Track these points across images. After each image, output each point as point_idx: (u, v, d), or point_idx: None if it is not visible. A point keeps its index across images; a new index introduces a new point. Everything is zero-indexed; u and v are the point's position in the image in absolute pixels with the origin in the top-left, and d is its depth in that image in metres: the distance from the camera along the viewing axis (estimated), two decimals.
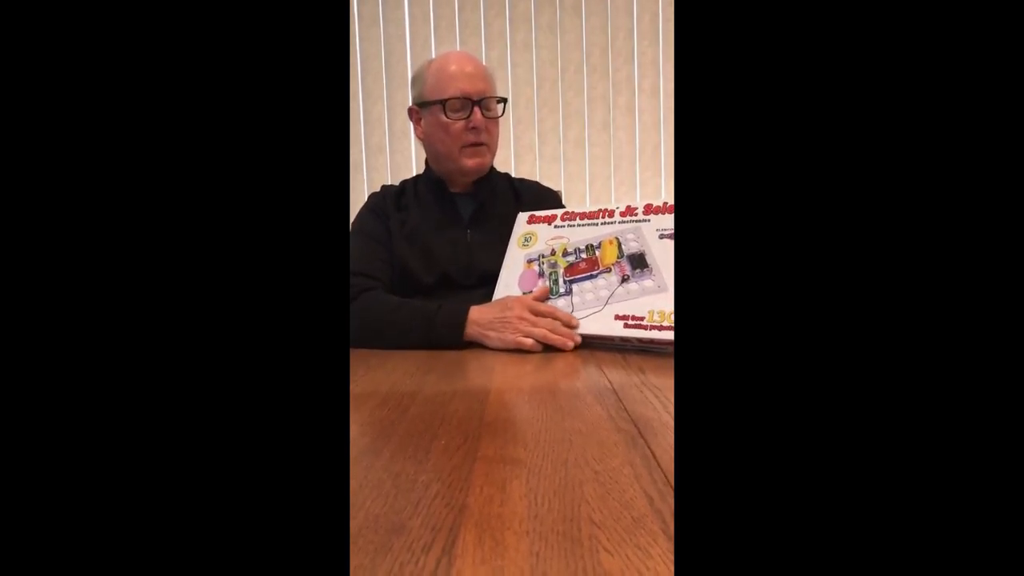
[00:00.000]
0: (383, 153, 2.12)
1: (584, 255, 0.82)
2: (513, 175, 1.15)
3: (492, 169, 1.07)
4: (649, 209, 0.80)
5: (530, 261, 0.87)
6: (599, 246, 0.82)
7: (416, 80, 1.03)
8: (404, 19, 2.10)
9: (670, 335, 0.70)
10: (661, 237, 0.77)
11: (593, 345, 0.77)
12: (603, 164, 2.18)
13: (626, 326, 0.73)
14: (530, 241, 0.89)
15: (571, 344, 0.76)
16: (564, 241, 0.85)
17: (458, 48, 2.10)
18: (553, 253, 0.85)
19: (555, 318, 0.77)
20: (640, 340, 0.72)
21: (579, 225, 0.86)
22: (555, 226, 0.88)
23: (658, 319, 0.71)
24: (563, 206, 1.09)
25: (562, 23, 2.13)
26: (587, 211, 0.86)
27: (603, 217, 0.84)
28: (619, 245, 0.80)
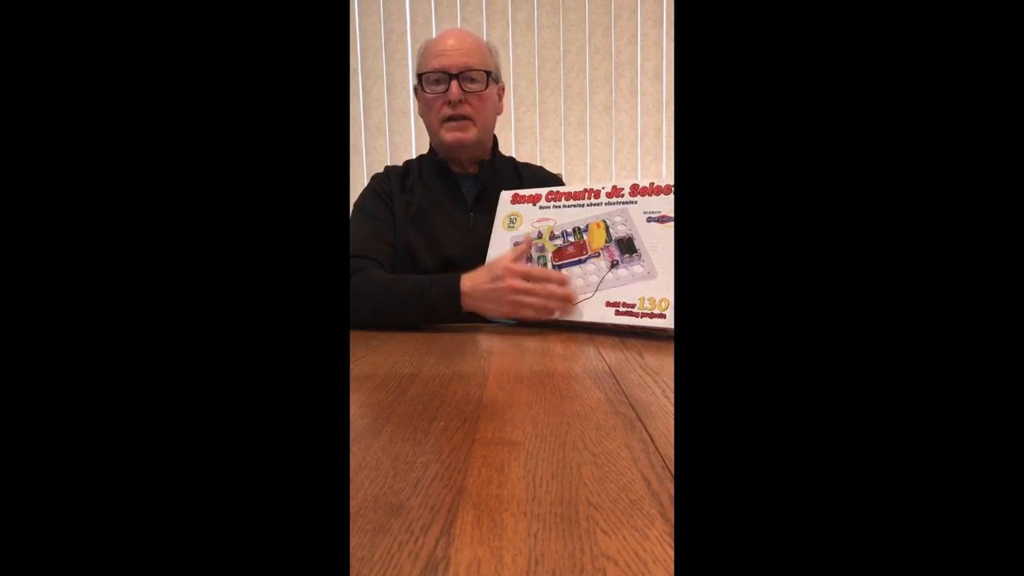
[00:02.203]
0: (382, 134, 2.10)
1: (572, 239, 0.81)
2: (514, 157, 1.14)
3: (496, 152, 1.06)
4: (635, 190, 0.79)
5: (517, 243, 0.85)
6: (586, 229, 0.80)
7: (416, 59, 1.03)
8: None
9: (661, 323, 0.70)
10: (649, 220, 0.76)
11: (590, 329, 0.77)
12: (605, 147, 2.16)
13: (617, 313, 0.73)
14: (515, 222, 0.87)
15: (570, 307, 0.75)
16: (550, 224, 0.83)
17: (459, 25, 2.07)
18: (540, 236, 0.84)
19: (547, 279, 0.76)
20: (632, 327, 0.73)
21: (565, 206, 0.83)
22: (540, 207, 0.86)
23: (648, 306, 0.72)
24: None
25: (565, 2, 2.10)
26: (572, 191, 0.84)
27: (589, 198, 0.82)
28: (607, 228, 0.79)
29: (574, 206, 0.83)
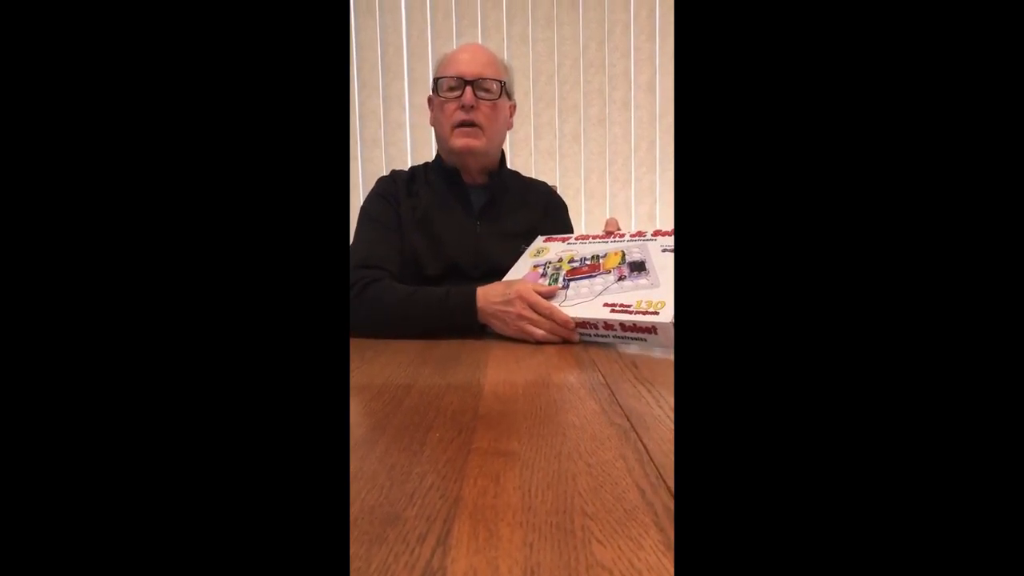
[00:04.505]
0: (378, 146, 2.11)
1: (588, 262, 0.86)
2: (518, 172, 1.16)
3: (504, 165, 1.08)
4: (658, 233, 0.85)
5: (537, 266, 0.90)
6: (604, 256, 0.85)
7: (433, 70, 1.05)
8: (400, 10, 2.08)
9: (654, 319, 0.69)
10: (664, 251, 0.80)
11: (585, 341, 0.77)
12: (599, 159, 2.18)
13: (613, 311, 0.74)
14: (542, 252, 0.94)
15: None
16: (572, 252, 0.89)
17: (455, 39, 2.09)
18: (560, 260, 0.89)
19: (552, 317, 0.77)
20: (623, 324, 0.72)
21: (591, 243, 0.91)
22: (568, 244, 0.93)
23: (645, 306, 0.72)
24: (568, 217, 1.13)
25: (559, 17, 2.13)
26: (600, 234, 0.92)
27: (614, 238, 0.89)
28: (623, 255, 0.83)
29: (599, 243, 0.90)
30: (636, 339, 0.72)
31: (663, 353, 0.70)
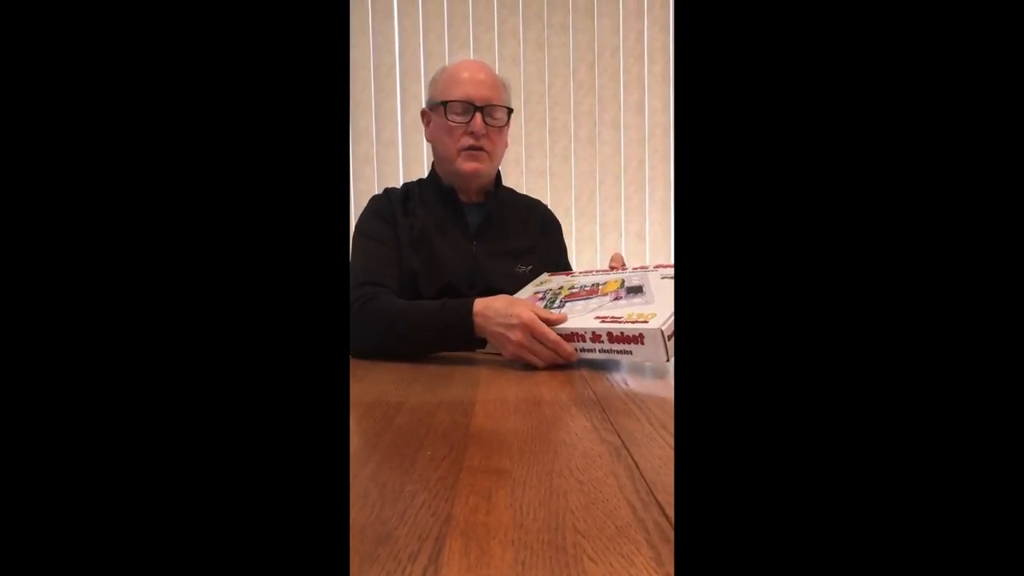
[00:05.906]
0: (370, 164, 2.12)
1: (587, 288, 0.87)
2: (513, 189, 1.16)
3: (500, 184, 1.08)
4: (659, 266, 0.86)
5: (537, 292, 0.91)
6: (604, 283, 0.86)
7: (431, 83, 1.04)
8: (393, 30, 2.11)
9: (643, 327, 0.67)
10: (663, 279, 0.81)
11: (578, 363, 0.78)
12: (589, 178, 2.20)
13: (602, 322, 0.73)
14: (544, 282, 0.95)
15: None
16: (574, 282, 0.91)
17: (447, 59, 2.12)
18: (560, 288, 0.90)
19: (557, 348, 0.73)
20: (611, 334, 0.70)
21: (593, 275, 0.92)
22: (571, 276, 0.95)
23: (635, 317, 0.71)
24: (562, 237, 1.15)
25: (549, 39, 2.17)
26: (604, 269, 0.94)
27: (617, 271, 0.91)
28: (622, 282, 0.84)
29: (600, 274, 0.91)
30: (623, 352, 0.70)
31: (653, 369, 0.70)
